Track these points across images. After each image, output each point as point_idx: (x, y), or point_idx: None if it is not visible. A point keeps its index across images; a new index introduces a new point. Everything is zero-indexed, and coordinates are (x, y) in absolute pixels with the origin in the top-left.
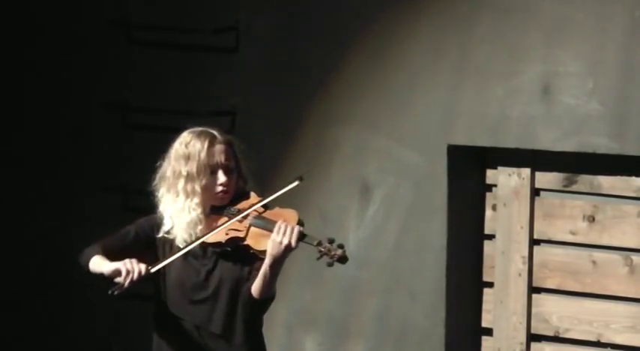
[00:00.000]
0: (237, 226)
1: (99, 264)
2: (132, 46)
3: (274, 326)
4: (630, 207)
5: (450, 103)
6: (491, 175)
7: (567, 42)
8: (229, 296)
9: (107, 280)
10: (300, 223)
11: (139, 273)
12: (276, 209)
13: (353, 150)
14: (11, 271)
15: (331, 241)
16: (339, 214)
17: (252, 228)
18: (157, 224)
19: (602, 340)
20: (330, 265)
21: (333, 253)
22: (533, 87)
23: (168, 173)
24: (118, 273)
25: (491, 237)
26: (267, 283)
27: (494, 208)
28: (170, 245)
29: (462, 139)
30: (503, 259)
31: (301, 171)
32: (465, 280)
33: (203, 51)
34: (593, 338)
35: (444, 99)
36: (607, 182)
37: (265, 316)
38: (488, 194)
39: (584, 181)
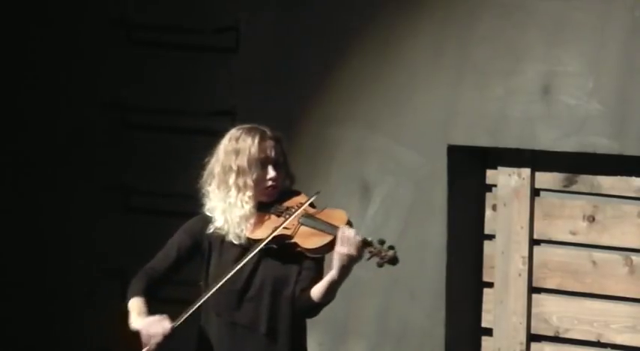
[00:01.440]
0: (287, 224)
1: (131, 313)
2: (132, 46)
3: None
4: (630, 207)
5: (449, 103)
6: (491, 175)
7: (567, 42)
8: (272, 295)
9: None
10: (348, 223)
11: (163, 336)
12: (326, 209)
13: (353, 150)
14: (11, 270)
15: (382, 242)
16: None
17: (302, 227)
18: (205, 223)
19: (602, 340)
20: (380, 265)
21: (383, 253)
22: (533, 87)
23: (217, 169)
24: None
25: (491, 237)
26: (333, 289)
27: (494, 208)
28: (221, 241)
29: (462, 139)
30: (503, 259)
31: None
32: (465, 280)
33: (203, 51)
34: (593, 338)
35: (443, 99)
36: (607, 182)
37: None
38: (488, 194)
39: (584, 181)
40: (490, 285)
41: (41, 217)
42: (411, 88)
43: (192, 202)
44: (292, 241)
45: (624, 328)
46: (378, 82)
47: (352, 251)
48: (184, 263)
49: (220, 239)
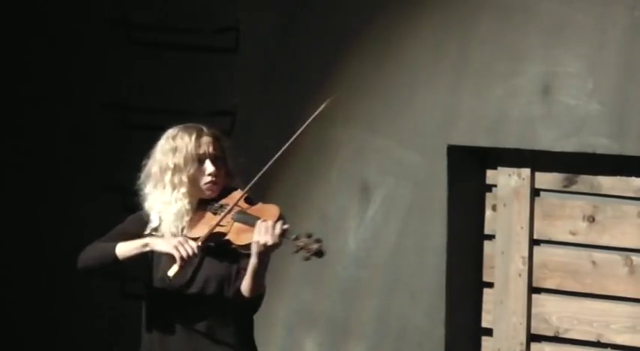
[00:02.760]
0: (222, 221)
1: (133, 245)
2: (132, 46)
3: (274, 326)
4: (630, 207)
5: (449, 104)
6: (491, 175)
7: (567, 42)
8: (216, 295)
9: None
10: (280, 218)
11: (193, 252)
12: (259, 205)
13: (353, 150)
14: (12, 271)
15: (309, 236)
16: (339, 214)
17: (235, 223)
18: (144, 222)
19: (602, 341)
20: (307, 259)
21: (309, 247)
22: (533, 87)
23: (155, 169)
24: (172, 256)
25: (491, 237)
26: (256, 280)
27: (494, 208)
28: None
29: (462, 140)
30: (503, 259)
31: (332, 95)
32: (465, 280)
33: (203, 51)
34: (593, 338)
35: (443, 99)
36: (607, 182)
37: (265, 316)
38: (488, 194)
39: (584, 181)
40: (490, 285)
41: (41, 217)
42: (411, 88)
43: None
44: (226, 238)
45: (624, 328)
46: (378, 83)
47: (268, 240)
48: None
49: None
